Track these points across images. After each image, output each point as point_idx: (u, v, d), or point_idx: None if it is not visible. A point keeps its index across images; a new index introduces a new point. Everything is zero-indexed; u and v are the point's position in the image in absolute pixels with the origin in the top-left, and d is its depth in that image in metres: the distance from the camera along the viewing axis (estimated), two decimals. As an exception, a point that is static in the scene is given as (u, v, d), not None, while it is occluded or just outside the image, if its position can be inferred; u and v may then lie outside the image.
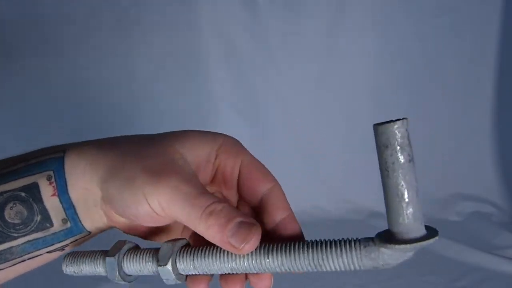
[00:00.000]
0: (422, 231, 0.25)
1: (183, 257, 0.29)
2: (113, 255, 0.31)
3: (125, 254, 0.32)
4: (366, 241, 0.28)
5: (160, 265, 0.29)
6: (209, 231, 0.27)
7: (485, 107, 1.54)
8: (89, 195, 0.31)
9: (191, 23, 1.42)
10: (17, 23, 1.37)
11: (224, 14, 1.42)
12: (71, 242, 0.33)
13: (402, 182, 0.26)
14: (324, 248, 0.26)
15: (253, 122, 1.46)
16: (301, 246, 0.27)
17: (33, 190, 0.31)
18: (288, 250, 0.27)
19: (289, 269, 0.28)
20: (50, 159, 0.31)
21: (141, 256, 0.31)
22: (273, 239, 0.30)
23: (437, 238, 0.25)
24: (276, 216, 0.30)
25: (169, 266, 0.29)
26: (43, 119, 1.45)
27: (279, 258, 0.27)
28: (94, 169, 0.30)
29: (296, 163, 1.47)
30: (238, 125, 1.47)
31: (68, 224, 0.31)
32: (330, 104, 1.46)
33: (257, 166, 0.33)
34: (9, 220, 0.31)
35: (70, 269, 0.35)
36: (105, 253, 0.32)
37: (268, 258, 0.27)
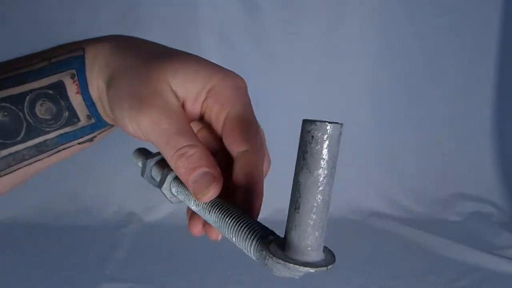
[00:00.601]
0: (315, 256, 0.23)
1: (176, 182, 0.33)
2: (149, 159, 0.35)
3: (155, 163, 0.35)
4: (263, 245, 0.25)
5: (158, 187, 0.33)
6: (176, 170, 0.28)
7: (485, 107, 1.54)
8: (103, 95, 0.32)
9: (191, 23, 1.42)
10: (17, 23, 1.37)
11: (224, 14, 1.42)
12: (98, 134, 0.35)
13: (311, 197, 0.22)
14: (238, 229, 0.26)
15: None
16: (227, 217, 0.27)
17: (60, 88, 0.33)
18: (220, 216, 0.28)
19: (220, 231, 0.28)
20: (72, 58, 0.33)
21: (157, 169, 0.34)
22: (235, 197, 0.30)
23: (324, 269, 0.23)
24: (241, 181, 0.30)
25: (164, 189, 0.33)
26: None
27: (214, 218, 0.28)
28: (105, 72, 0.32)
29: (296, 163, 1.47)
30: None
31: (93, 120, 0.34)
32: (330, 103, 1.46)
33: (241, 122, 0.31)
34: (41, 116, 0.33)
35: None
36: (153, 157, 0.35)
37: (210, 213, 0.28)
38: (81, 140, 0.35)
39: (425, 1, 1.45)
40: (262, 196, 0.30)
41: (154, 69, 0.30)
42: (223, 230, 0.27)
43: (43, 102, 0.33)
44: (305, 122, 0.22)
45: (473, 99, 1.54)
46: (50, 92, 0.33)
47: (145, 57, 0.32)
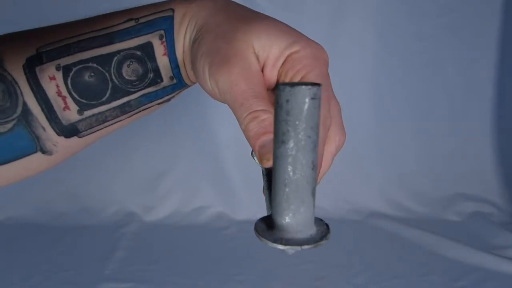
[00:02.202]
0: (296, 232, 0.21)
1: None
2: None
3: None
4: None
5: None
6: (246, 133, 0.28)
7: (485, 107, 1.54)
8: (187, 58, 0.33)
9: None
10: (17, 22, 1.37)
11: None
12: (176, 94, 0.36)
13: (291, 166, 0.20)
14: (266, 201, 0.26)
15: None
16: (265, 188, 0.27)
17: (148, 49, 0.33)
18: (264, 185, 0.28)
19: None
20: (161, 18, 0.33)
21: None
22: None
23: (297, 248, 0.21)
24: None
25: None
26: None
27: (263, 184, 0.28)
28: (192, 32, 0.32)
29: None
30: (238, 125, 1.47)
31: (174, 81, 0.34)
32: (330, 104, 1.46)
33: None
34: (126, 77, 0.33)
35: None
36: None
37: (263, 178, 0.28)
38: (160, 100, 0.35)
39: (425, 1, 1.45)
40: (321, 168, 0.29)
41: (240, 30, 0.30)
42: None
43: (130, 63, 0.33)
44: (277, 86, 0.20)
45: (473, 99, 1.54)
46: (138, 53, 0.33)
47: (233, 18, 0.31)
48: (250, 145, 0.28)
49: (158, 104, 0.36)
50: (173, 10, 0.33)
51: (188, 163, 1.48)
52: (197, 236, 1.30)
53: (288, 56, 0.30)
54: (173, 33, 0.33)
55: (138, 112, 0.35)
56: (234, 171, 1.47)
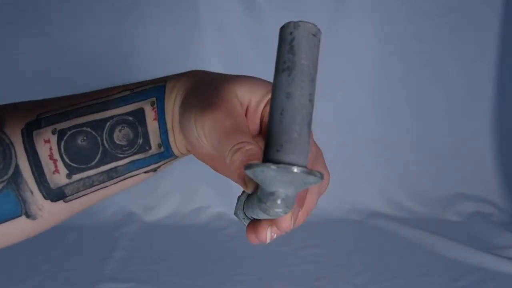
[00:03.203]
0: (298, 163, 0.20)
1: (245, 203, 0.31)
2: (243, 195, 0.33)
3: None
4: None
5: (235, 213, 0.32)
6: (231, 165, 0.28)
7: (485, 107, 1.54)
8: (176, 122, 0.34)
9: (191, 23, 1.42)
10: (17, 23, 1.37)
11: (224, 14, 1.42)
12: (163, 164, 0.37)
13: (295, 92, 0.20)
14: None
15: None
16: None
17: (139, 115, 0.35)
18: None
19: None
20: (154, 87, 0.35)
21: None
22: None
23: (304, 171, 0.19)
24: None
25: (238, 209, 0.32)
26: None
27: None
28: (181, 96, 0.34)
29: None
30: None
31: (162, 149, 0.36)
32: (329, 103, 1.46)
33: None
34: (117, 142, 0.35)
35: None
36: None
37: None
38: (147, 168, 0.36)
39: (425, 1, 1.45)
40: (305, 206, 0.28)
41: (224, 82, 0.32)
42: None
43: (122, 128, 0.35)
44: (282, 26, 0.21)
45: (473, 99, 1.54)
46: (130, 118, 0.35)
47: (216, 76, 0.34)
48: (234, 179, 0.28)
49: (145, 173, 0.36)
50: (165, 81, 0.35)
51: (187, 163, 1.48)
52: (197, 236, 1.30)
53: (269, 99, 0.31)
54: (164, 100, 0.34)
55: (125, 179, 0.36)
56: (234, 171, 1.47)
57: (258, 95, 0.32)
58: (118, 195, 1.31)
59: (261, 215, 0.26)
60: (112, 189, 0.36)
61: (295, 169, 0.19)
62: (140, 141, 0.35)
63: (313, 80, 0.22)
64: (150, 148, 0.35)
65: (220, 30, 1.43)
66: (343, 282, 1.05)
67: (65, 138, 0.34)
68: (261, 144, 0.32)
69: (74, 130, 0.34)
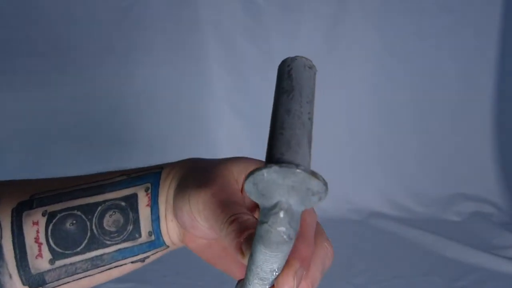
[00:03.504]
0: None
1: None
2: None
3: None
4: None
5: None
6: (228, 237, 0.27)
7: (485, 107, 1.54)
8: (169, 208, 0.33)
9: (191, 23, 1.42)
10: (17, 23, 1.37)
11: (224, 14, 1.42)
12: (152, 254, 0.35)
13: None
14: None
15: (253, 122, 1.46)
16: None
17: (132, 200, 0.33)
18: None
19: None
20: (150, 173, 0.34)
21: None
22: None
23: (307, 173, 0.19)
24: None
25: None
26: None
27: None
28: (176, 181, 0.33)
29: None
30: (238, 125, 1.47)
31: (152, 238, 0.34)
32: (330, 104, 1.46)
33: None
34: (106, 228, 0.33)
35: None
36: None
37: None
38: (135, 258, 0.34)
39: (425, 1, 1.45)
40: (307, 276, 0.26)
41: (220, 162, 0.33)
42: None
43: (113, 213, 0.33)
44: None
45: (473, 99, 1.54)
46: (122, 203, 0.33)
47: (213, 160, 0.34)
48: (231, 250, 0.26)
49: (132, 263, 0.34)
50: (162, 168, 0.35)
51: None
52: None
53: None
54: (158, 186, 0.34)
55: (109, 268, 0.34)
56: (234, 171, 1.47)
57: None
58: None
59: (259, 272, 0.24)
60: (96, 278, 0.34)
61: (298, 169, 0.19)
62: (130, 227, 0.33)
63: (310, 102, 0.22)
64: (140, 236, 0.33)
65: (220, 30, 1.43)
66: (343, 282, 1.05)
67: (54, 221, 0.33)
68: (258, 215, 0.31)
69: (65, 213, 0.33)
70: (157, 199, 0.33)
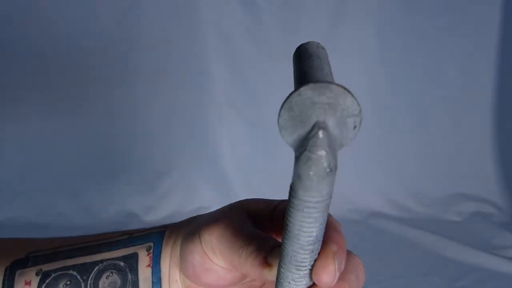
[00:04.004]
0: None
1: None
2: None
3: None
4: None
5: None
6: (249, 258, 0.26)
7: (485, 107, 1.54)
8: (172, 269, 0.31)
9: (191, 23, 1.42)
10: (17, 22, 1.37)
11: (224, 14, 1.42)
12: None
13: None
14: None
15: (253, 122, 1.46)
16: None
17: (131, 260, 0.31)
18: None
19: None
20: (153, 233, 0.33)
21: None
22: None
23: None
24: None
25: None
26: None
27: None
28: (183, 236, 0.31)
29: (296, 163, 1.47)
30: (238, 125, 1.47)
31: None
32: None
33: None
34: None
35: None
36: None
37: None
38: None
39: (425, 1, 1.45)
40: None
41: (231, 204, 0.31)
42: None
43: (111, 273, 0.31)
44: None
45: (473, 99, 1.54)
46: (121, 264, 0.32)
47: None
48: (254, 271, 0.25)
49: None
50: (166, 228, 0.33)
51: (188, 163, 1.48)
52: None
53: (277, 205, 0.30)
54: (161, 245, 0.32)
55: None
56: (234, 171, 1.47)
57: (266, 204, 0.31)
58: (118, 195, 1.31)
59: (296, 251, 0.23)
60: None
61: (333, 84, 0.19)
62: None
63: (330, 70, 0.22)
64: None
65: (220, 30, 1.43)
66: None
67: (47, 281, 0.31)
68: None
69: (60, 272, 0.31)
70: (159, 259, 0.31)
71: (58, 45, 1.40)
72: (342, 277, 0.24)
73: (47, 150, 1.44)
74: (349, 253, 0.26)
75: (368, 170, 1.52)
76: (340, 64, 1.46)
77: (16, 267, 0.31)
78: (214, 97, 1.47)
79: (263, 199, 0.32)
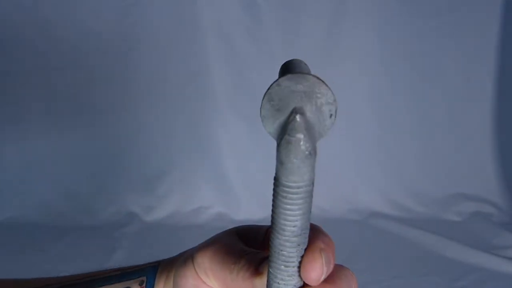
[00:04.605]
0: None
1: None
2: None
3: None
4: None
5: None
6: (240, 271, 0.26)
7: (485, 107, 1.54)
8: None
9: (191, 23, 1.42)
10: (16, 22, 1.37)
11: (224, 14, 1.42)
12: None
13: None
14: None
15: (253, 122, 1.46)
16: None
17: None
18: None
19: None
20: (147, 268, 0.33)
21: None
22: None
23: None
24: None
25: None
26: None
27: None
28: (177, 267, 0.31)
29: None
30: (238, 125, 1.47)
31: None
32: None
33: None
34: None
35: None
36: None
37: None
38: None
39: (425, 1, 1.45)
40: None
41: (224, 231, 0.32)
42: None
43: None
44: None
45: (473, 99, 1.54)
46: None
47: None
48: (246, 280, 0.26)
49: None
50: (159, 263, 0.34)
51: (188, 163, 1.48)
52: (197, 236, 1.30)
53: (268, 229, 0.31)
54: (154, 279, 0.32)
55: None
56: (234, 171, 1.47)
57: (257, 228, 0.32)
58: (118, 195, 1.31)
59: (282, 245, 0.23)
60: None
61: (309, 75, 0.21)
62: None
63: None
64: None
65: (220, 30, 1.43)
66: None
67: None
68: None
69: None
70: None
71: (58, 45, 1.40)
72: (332, 281, 0.24)
73: (47, 150, 1.44)
74: (342, 266, 0.27)
75: (368, 170, 1.52)
76: (340, 64, 1.47)
77: None
78: (214, 97, 1.47)
79: (256, 225, 0.32)
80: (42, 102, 1.44)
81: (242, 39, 1.44)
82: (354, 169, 1.50)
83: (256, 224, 0.33)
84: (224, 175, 1.47)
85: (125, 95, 1.46)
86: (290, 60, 0.25)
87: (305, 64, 0.25)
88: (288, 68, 0.23)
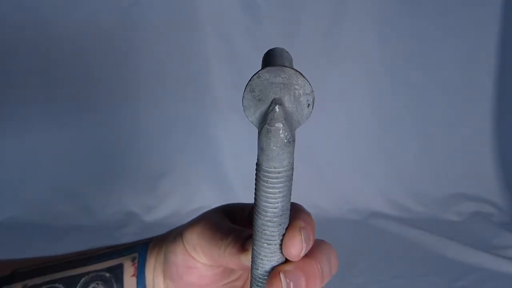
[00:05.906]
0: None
1: None
2: None
3: None
4: None
5: None
6: (228, 247, 0.28)
7: (485, 107, 1.54)
8: (157, 277, 0.32)
9: (191, 23, 1.42)
10: (17, 23, 1.37)
11: (224, 14, 1.42)
12: None
13: None
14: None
15: (253, 122, 1.46)
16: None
17: (117, 271, 0.32)
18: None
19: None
20: (138, 244, 0.34)
21: None
22: None
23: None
24: None
25: None
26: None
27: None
28: (167, 244, 0.32)
29: (296, 163, 1.45)
30: (238, 125, 1.47)
31: None
32: (329, 104, 1.46)
33: None
34: None
35: None
36: None
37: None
38: None
39: (425, 1, 1.45)
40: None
41: (212, 209, 0.33)
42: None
43: (96, 284, 0.32)
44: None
45: (473, 99, 1.54)
46: (107, 274, 0.32)
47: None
48: (233, 259, 0.27)
49: None
50: (150, 240, 0.34)
51: (187, 163, 1.48)
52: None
53: (253, 207, 0.32)
54: (146, 255, 0.33)
55: None
56: (234, 171, 1.47)
57: (243, 206, 0.33)
58: (118, 195, 1.31)
59: (264, 225, 0.25)
60: None
61: (286, 68, 0.22)
62: None
63: (290, 62, 0.25)
64: None
65: (220, 30, 1.43)
66: (343, 282, 1.05)
67: None
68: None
69: (46, 286, 0.32)
70: (144, 269, 0.32)
71: (58, 45, 1.40)
72: (312, 255, 0.26)
73: (47, 150, 1.44)
74: (322, 240, 0.29)
75: (368, 170, 1.52)
76: (340, 64, 1.47)
77: (1, 284, 0.32)
78: (214, 97, 1.47)
79: (241, 203, 0.34)
80: (42, 102, 1.44)
81: (242, 39, 1.44)
82: (354, 169, 1.50)
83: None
84: (224, 175, 1.47)
85: (125, 95, 1.46)
86: (273, 48, 0.26)
87: (287, 53, 0.26)
88: (270, 57, 0.25)
